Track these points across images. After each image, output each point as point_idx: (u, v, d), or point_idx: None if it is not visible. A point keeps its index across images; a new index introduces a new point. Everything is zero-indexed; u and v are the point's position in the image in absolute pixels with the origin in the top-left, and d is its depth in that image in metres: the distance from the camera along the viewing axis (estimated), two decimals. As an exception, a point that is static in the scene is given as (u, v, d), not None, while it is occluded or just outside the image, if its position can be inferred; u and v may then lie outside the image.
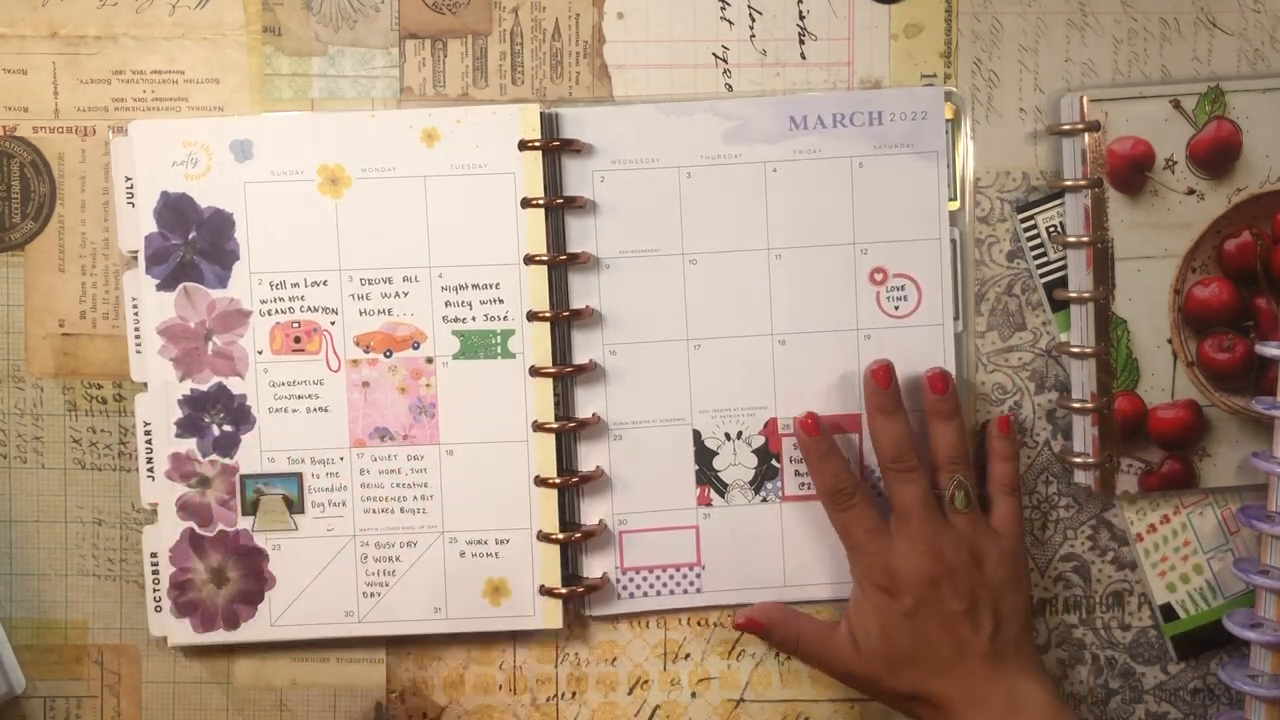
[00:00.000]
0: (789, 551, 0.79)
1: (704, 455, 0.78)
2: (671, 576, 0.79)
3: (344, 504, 0.78)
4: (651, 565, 0.79)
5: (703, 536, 0.79)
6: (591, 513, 0.78)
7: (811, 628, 0.77)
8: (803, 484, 0.78)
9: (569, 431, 0.77)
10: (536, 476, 0.77)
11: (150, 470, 0.78)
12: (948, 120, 0.77)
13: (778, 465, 0.78)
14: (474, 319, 0.77)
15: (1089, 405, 0.77)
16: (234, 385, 0.77)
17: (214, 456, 0.78)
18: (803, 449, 0.77)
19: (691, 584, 0.79)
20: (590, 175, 0.77)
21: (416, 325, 0.77)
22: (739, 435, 0.78)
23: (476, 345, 0.77)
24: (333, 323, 0.77)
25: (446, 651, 0.80)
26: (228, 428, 0.77)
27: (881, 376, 0.75)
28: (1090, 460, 0.77)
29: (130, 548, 0.79)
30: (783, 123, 0.77)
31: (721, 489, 0.78)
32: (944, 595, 0.73)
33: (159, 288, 0.77)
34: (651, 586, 0.79)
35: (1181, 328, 0.77)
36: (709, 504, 0.78)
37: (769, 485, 0.79)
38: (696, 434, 0.78)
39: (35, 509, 0.80)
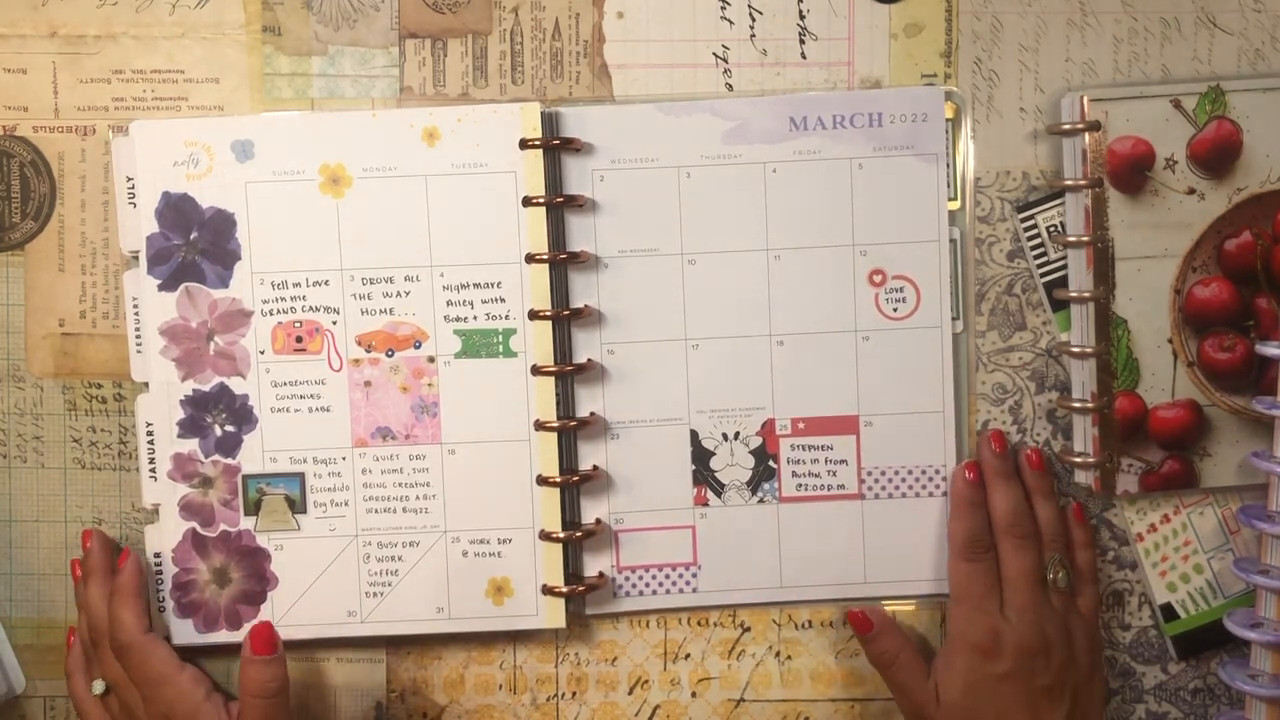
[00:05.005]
0: (785, 553, 0.79)
1: (701, 455, 0.78)
2: (668, 576, 0.79)
3: (346, 504, 0.78)
4: (648, 564, 0.79)
5: (699, 536, 0.78)
6: (588, 512, 0.78)
7: (913, 657, 0.77)
8: (799, 485, 0.78)
9: (569, 431, 0.77)
10: (539, 475, 0.77)
11: (152, 471, 0.78)
12: (947, 120, 0.77)
13: (775, 466, 0.78)
14: (475, 318, 0.77)
15: (1089, 405, 0.77)
16: (236, 385, 0.77)
17: (216, 457, 0.78)
18: (957, 494, 0.77)
19: (688, 584, 0.79)
20: (590, 174, 0.77)
21: (418, 324, 0.77)
22: (736, 436, 0.78)
23: (478, 344, 0.77)
24: (334, 322, 0.77)
25: (447, 651, 0.80)
26: (230, 428, 0.78)
27: (1000, 442, 0.77)
28: (1090, 460, 0.77)
29: (131, 548, 0.79)
30: (783, 124, 0.77)
31: (718, 489, 0.78)
32: (1037, 669, 0.73)
33: (161, 288, 0.77)
34: (647, 585, 0.79)
35: (1182, 327, 0.77)
36: (705, 504, 0.78)
37: (766, 486, 0.78)
38: (694, 434, 0.78)
39: (35, 509, 0.80)
